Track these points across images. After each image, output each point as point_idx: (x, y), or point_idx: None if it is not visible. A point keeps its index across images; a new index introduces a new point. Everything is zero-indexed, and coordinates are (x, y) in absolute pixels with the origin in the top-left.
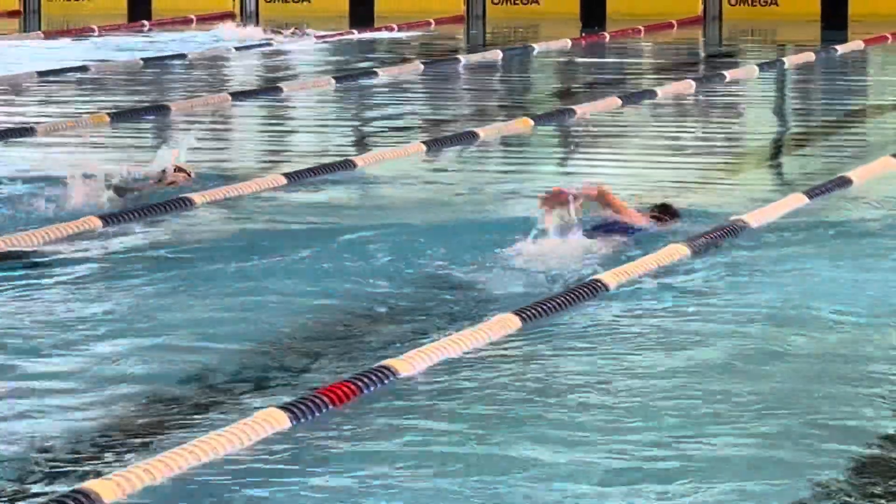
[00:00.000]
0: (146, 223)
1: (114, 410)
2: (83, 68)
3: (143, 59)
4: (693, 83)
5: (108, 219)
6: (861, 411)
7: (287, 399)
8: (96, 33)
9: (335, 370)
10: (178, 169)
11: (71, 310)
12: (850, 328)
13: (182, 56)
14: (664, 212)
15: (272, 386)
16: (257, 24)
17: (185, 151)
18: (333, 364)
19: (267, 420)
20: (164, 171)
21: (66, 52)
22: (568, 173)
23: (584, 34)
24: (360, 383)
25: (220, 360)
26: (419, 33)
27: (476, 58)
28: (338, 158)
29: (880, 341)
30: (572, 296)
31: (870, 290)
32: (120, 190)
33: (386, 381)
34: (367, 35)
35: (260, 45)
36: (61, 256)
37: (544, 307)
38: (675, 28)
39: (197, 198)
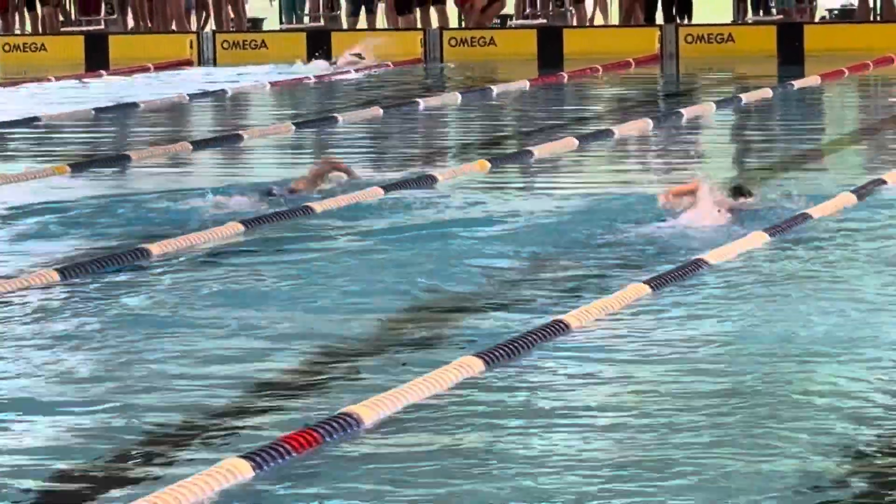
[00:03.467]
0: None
1: (66, 459)
2: (35, 119)
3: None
4: (651, 122)
5: None
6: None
7: (250, 448)
8: (53, 82)
9: (298, 417)
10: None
11: None
12: (804, 364)
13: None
14: (739, 193)
15: (234, 435)
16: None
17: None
18: (297, 412)
19: (230, 469)
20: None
21: (21, 102)
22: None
23: (542, 74)
24: (322, 431)
25: (181, 409)
26: (378, 75)
27: (435, 100)
28: (296, 205)
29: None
30: (534, 336)
31: (835, 327)
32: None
33: (349, 430)
34: (324, 79)
35: (215, 93)
36: None
37: (508, 349)
38: (633, 66)
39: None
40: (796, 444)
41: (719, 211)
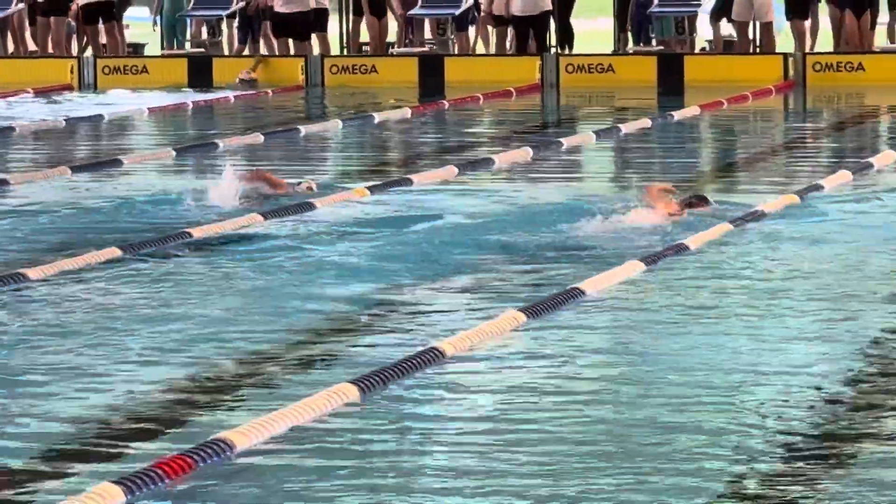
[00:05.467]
0: None
1: None
2: None
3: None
4: (530, 150)
5: None
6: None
7: (123, 472)
8: None
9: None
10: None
11: None
12: (687, 392)
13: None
14: (700, 200)
15: (106, 459)
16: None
17: None
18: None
19: (101, 495)
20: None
21: None
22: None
23: (422, 103)
24: (196, 457)
25: (54, 430)
26: (257, 102)
27: (316, 127)
28: (177, 229)
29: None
30: (411, 363)
31: (708, 355)
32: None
33: (222, 455)
34: (204, 105)
35: (91, 117)
36: None
37: (382, 376)
38: (514, 96)
39: None
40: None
41: (671, 214)
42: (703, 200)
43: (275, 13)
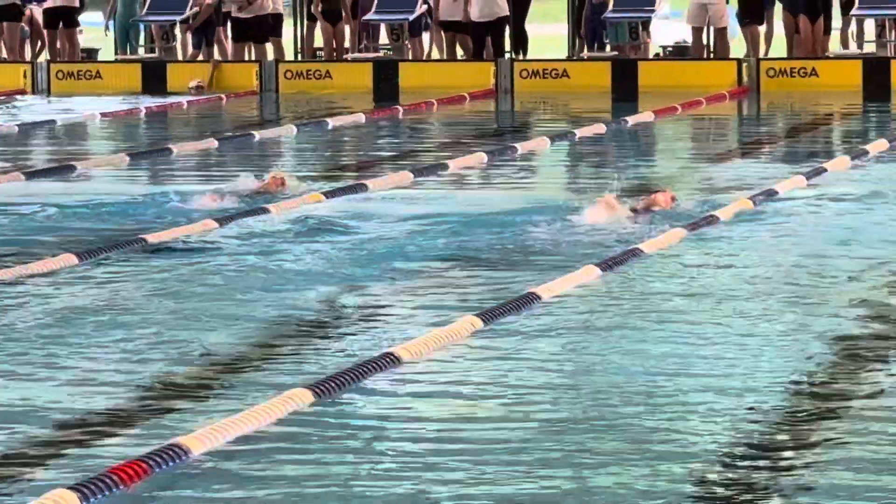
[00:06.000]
0: None
1: None
2: None
3: None
4: (485, 156)
5: None
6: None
7: (78, 477)
8: None
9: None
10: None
11: None
12: (639, 396)
13: None
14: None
15: (62, 465)
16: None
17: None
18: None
19: (56, 501)
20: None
21: None
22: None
23: (377, 108)
24: (151, 462)
25: (7, 436)
26: (211, 108)
27: (270, 132)
28: (129, 236)
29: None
30: (366, 368)
31: (660, 359)
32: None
33: (178, 460)
34: (158, 110)
35: (44, 123)
36: None
37: (337, 381)
38: (468, 101)
39: None
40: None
41: (634, 211)
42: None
43: (233, 18)
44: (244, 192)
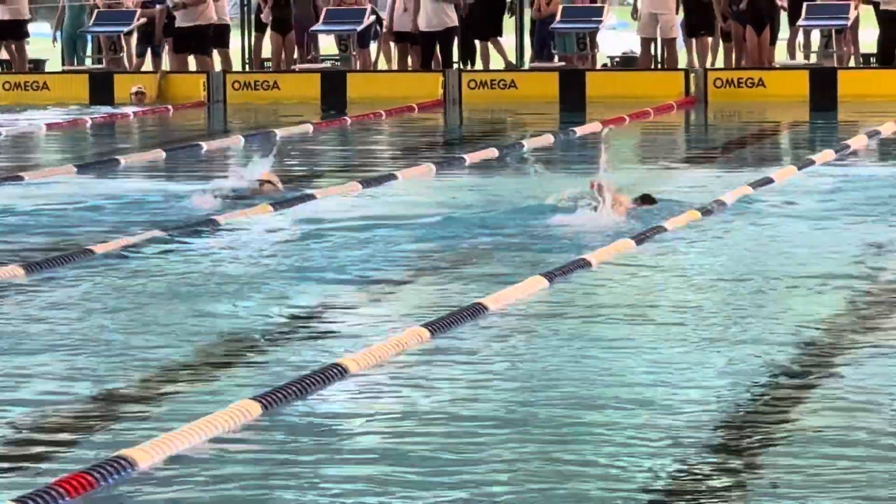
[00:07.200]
0: None
1: None
2: None
3: None
4: (433, 167)
5: None
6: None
7: (22, 490)
8: None
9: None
10: (266, 181)
11: None
12: (584, 407)
13: None
14: (645, 200)
15: (4, 477)
16: None
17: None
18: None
19: None
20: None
21: None
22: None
23: (325, 119)
24: (97, 474)
25: None
26: (158, 119)
27: (217, 143)
28: (79, 246)
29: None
30: (313, 379)
31: (606, 369)
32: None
33: (123, 472)
34: (104, 121)
35: None
36: None
37: (284, 393)
38: (417, 112)
39: None
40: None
41: (616, 206)
42: (647, 201)
43: (175, 28)
44: (236, 193)
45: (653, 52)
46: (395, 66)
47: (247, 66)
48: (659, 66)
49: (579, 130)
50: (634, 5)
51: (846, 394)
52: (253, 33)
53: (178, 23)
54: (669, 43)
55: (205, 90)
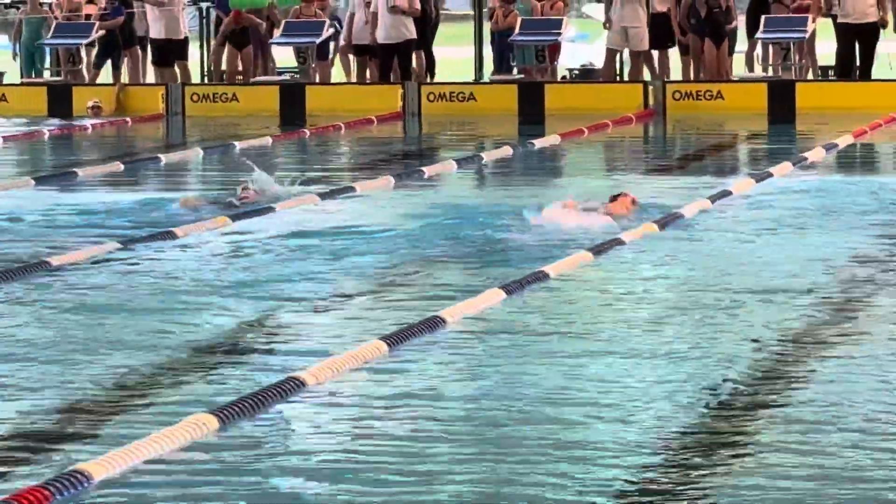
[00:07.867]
0: None
1: None
2: None
3: None
4: (392, 179)
5: None
6: None
7: None
8: None
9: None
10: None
11: None
12: (545, 421)
13: None
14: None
15: None
16: None
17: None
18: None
19: None
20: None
21: None
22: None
23: (284, 131)
24: (52, 488)
25: None
26: (117, 131)
27: (176, 156)
28: (34, 259)
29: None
30: (270, 393)
31: (567, 386)
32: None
33: (79, 486)
34: (62, 133)
35: None
36: None
37: (241, 406)
38: (375, 124)
39: None
40: None
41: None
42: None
43: (152, 40)
44: (217, 199)
45: (616, 64)
46: (354, 79)
47: (205, 79)
48: (617, 77)
49: (538, 143)
50: (607, 16)
51: (805, 407)
52: (212, 46)
53: (153, 35)
54: (638, 55)
55: (163, 102)
